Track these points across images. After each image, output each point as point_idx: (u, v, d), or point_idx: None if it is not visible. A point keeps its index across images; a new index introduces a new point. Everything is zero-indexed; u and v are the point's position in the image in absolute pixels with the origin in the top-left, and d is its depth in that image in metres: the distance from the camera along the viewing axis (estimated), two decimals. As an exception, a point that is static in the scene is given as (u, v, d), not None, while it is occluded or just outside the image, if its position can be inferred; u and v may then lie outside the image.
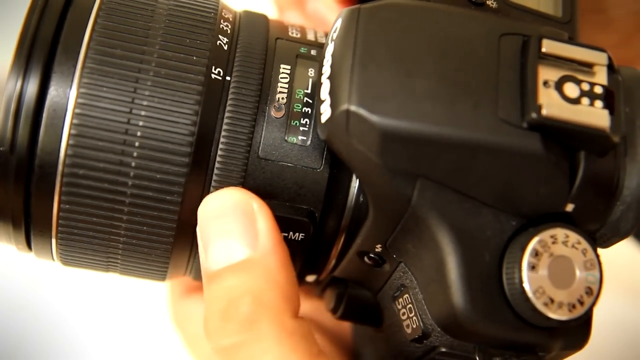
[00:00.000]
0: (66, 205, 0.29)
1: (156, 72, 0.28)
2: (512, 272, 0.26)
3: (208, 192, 0.29)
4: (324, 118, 0.27)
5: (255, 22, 0.31)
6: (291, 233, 0.29)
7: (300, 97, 0.30)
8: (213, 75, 0.29)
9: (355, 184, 0.30)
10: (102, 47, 0.28)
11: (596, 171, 0.27)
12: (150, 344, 0.54)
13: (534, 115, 0.26)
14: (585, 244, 0.27)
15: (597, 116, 0.26)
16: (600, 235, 0.29)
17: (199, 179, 0.29)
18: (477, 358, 0.27)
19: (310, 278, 0.32)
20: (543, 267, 0.26)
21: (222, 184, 0.29)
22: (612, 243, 0.30)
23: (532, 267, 0.26)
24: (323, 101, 0.27)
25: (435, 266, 0.27)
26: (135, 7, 0.29)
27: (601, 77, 0.27)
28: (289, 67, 0.30)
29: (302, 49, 0.31)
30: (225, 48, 0.30)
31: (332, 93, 0.26)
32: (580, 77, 0.27)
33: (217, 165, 0.29)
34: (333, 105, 0.26)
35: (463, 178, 0.26)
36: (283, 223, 0.29)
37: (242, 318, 0.27)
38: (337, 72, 0.27)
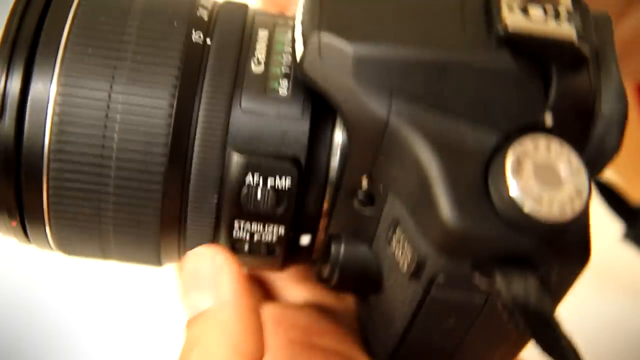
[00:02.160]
0: (55, 195, 0.30)
1: (133, 57, 0.30)
2: (496, 178, 0.26)
3: (191, 164, 0.30)
4: (298, 55, 0.28)
5: (234, 5, 0.33)
6: (277, 179, 0.30)
7: (279, 50, 0.31)
8: (194, 39, 0.31)
9: (338, 130, 0.31)
10: (80, 38, 0.30)
11: (570, 84, 0.28)
12: (150, 344, 0.53)
13: (500, 30, 0.27)
14: (568, 150, 0.27)
15: (563, 29, 0.27)
16: (586, 156, 0.29)
17: (181, 153, 0.30)
18: (477, 275, 0.27)
19: (305, 239, 0.32)
20: (528, 171, 0.26)
21: (206, 140, 0.30)
22: (600, 167, 0.30)
23: (516, 171, 0.26)
24: (297, 41, 0.28)
25: (420, 185, 0.27)
26: (113, 2, 0.31)
27: (566, 3, 0.29)
28: (267, 30, 0.32)
29: (280, 20, 0.33)
30: (205, 19, 0.31)
31: (304, 30, 0.28)
32: (545, 3, 0.28)
33: (200, 119, 0.30)
34: (305, 38, 0.28)
35: (437, 94, 0.27)
36: (268, 170, 0.30)
37: None
38: (306, 13, 0.28)
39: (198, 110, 0.30)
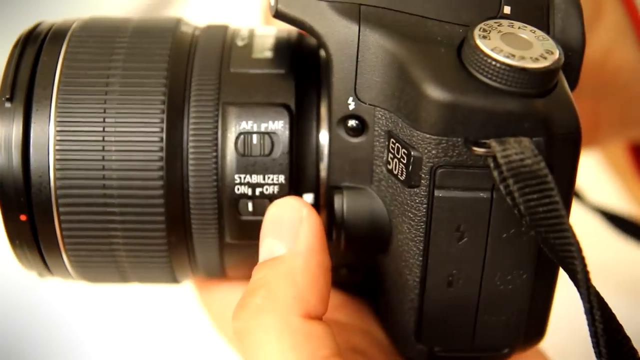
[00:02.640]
0: (67, 228, 0.32)
1: (121, 84, 0.32)
2: (468, 49, 0.28)
3: (188, 128, 0.31)
4: (273, 2, 0.31)
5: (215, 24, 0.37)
6: (270, 123, 0.31)
7: (261, 34, 0.34)
8: (182, 29, 0.34)
9: (324, 85, 0.32)
10: (71, 78, 0.32)
11: None
12: (151, 344, 0.51)
13: None
14: (531, 27, 0.29)
15: None
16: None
17: (177, 174, 0.31)
18: (473, 148, 0.27)
19: (308, 197, 0.32)
20: (495, 37, 0.28)
21: (199, 97, 0.31)
22: (576, 66, 0.31)
23: (484, 37, 0.28)
24: None
25: (401, 77, 0.28)
26: (99, 40, 0.33)
27: None
28: (248, 28, 0.35)
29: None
30: (190, 32, 0.34)
31: None
32: None
33: (193, 83, 0.32)
34: None
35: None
36: (261, 116, 0.31)
37: (252, 307, 0.29)
38: None
39: (190, 85, 0.32)
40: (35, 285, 0.53)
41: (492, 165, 0.27)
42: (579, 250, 0.26)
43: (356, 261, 0.34)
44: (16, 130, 0.31)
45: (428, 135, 0.28)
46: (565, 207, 0.28)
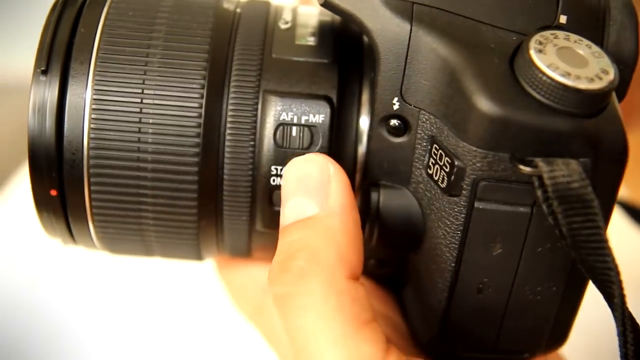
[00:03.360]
0: (96, 196, 0.31)
1: (162, 55, 0.31)
2: (522, 64, 0.27)
3: (224, 138, 0.31)
4: None
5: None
6: (311, 116, 0.31)
7: (304, 14, 0.33)
8: (225, 6, 0.33)
9: (367, 75, 0.31)
10: (111, 45, 0.31)
11: None
12: (151, 344, 0.51)
13: None
14: (587, 41, 0.28)
15: None
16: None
17: (213, 141, 0.31)
18: (519, 166, 0.26)
19: None
20: (551, 52, 0.27)
21: (240, 83, 0.31)
22: (626, 80, 0.30)
23: (540, 51, 0.27)
24: None
25: (451, 84, 0.28)
26: (140, 11, 0.32)
27: None
28: (291, 5, 0.34)
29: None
30: (232, 9, 0.33)
31: None
32: None
33: (234, 64, 0.31)
34: None
35: (456, 1, 0.28)
36: (302, 108, 0.31)
37: (295, 271, 0.28)
38: None
39: (231, 69, 0.31)
40: (35, 285, 0.53)
41: (536, 183, 0.26)
42: (617, 274, 0.26)
43: (386, 255, 0.34)
44: (51, 95, 0.30)
45: (474, 148, 0.27)
46: (605, 226, 0.27)
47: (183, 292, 0.52)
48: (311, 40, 0.32)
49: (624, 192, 0.56)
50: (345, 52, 0.32)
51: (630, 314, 0.27)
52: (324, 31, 0.33)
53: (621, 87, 0.30)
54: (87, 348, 0.51)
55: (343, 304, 0.27)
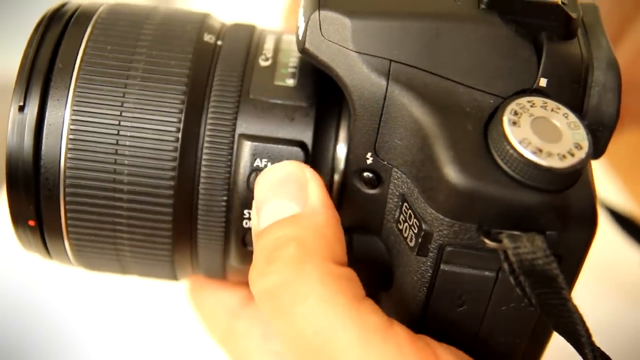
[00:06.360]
0: (72, 213, 0.32)
1: (142, 77, 0.31)
2: (496, 134, 0.27)
3: (200, 166, 0.31)
4: (300, 33, 0.29)
5: (242, 25, 0.35)
6: None
7: (286, 50, 0.33)
8: (205, 38, 0.32)
9: (344, 119, 0.31)
10: (92, 67, 0.31)
11: (562, 51, 0.29)
12: (151, 344, 0.52)
13: None
14: (565, 110, 0.27)
15: None
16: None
17: (190, 166, 0.31)
18: (484, 240, 0.27)
19: None
20: (525, 124, 0.27)
21: (216, 125, 0.31)
22: (602, 139, 0.30)
23: (514, 123, 0.27)
24: (299, 27, 0.30)
25: (422, 148, 0.27)
26: (124, 28, 0.32)
27: None
28: (274, 35, 0.34)
29: (286, 33, 0.34)
30: (212, 41, 0.33)
31: (305, 12, 0.29)
32: None
33: (211, 104, 0.31)
34: (306, 18, 0.29)
35: (433, 59, 0.28)
36: (276, 154, 0.30)
37: (287, 258, 0.27)
38: (307, 1, 0.30)
39: (207, 109, 0.31)
40: (35, 285, 0.53)
41: (502, 257, 0.27)
42: (589, 337, 0.26)
43: None
44: (30, 115, 0.31)
45: (442, 216, 0.27)
46: (570, 289, 0.28)
47: (184, 293, 0.52)
48: (290, 82, 0.32)
49: (621, 194, 0.56)
50: (325, 95, 0.32)
51: None
52: (304, 71, 0.32)
53: (599, 147, 0.30)
54: (87, 348, 0.51)
55: (341, 286, 0.27)
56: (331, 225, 0.28)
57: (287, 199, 0.29)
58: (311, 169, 0.30)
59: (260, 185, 0.30)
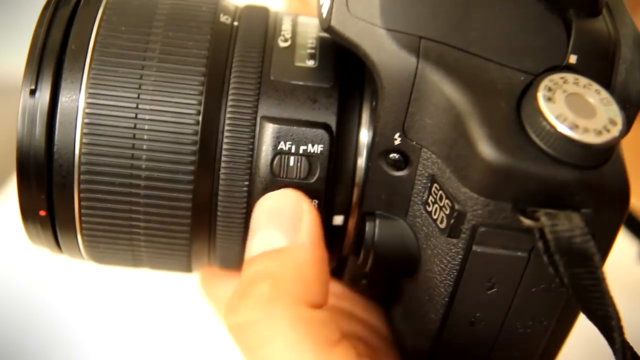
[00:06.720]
0: (86, 202, 0.30)
1: (160, 61, 0.30)
2: (530, 110, 0.26)
3: (221, 151, 0.30)
4: (324, 10, 0.28)
5: (256, 6, 0.34)
6: (310, 145, 0.30)
7: (304, 30, 0.32)
8: (222, 19, 0.31)
9: (367, 98, 0.30)
10: (106, 48, 0.30)
11: (590, 27, 0.28)
12: (150, 345, 0.51)
13: None
14: (596, 86, 0.27)
15: None
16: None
17: (210, 152, 0.30)
18: (521, 218, 0.26)
19: (338, 219, 0.31)
20: (559, 100, 0.26)
21: (237, 107, 0.30)
22: (631, 118, 0.29)
23: (549, 99, 0.26)
24: (322, 5, 0.29)
25: (454, 126, 0.27)
26: (138, 9, 0.31)
27: None
28: (290, 16, 0.33)
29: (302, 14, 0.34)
30: (229, 22, 0.32)
31: None
32: None
33: (231, 87, 0.30)
34: None
35: (463, 35, 0.27)
36: (300, 137, 0.30)
37: (258, 298, 0.27)
38: None
39: (227, 92, 0.30)
40: (35, 285, 0.52)
41: (537, 235, 0.26)
42: (618, 321, 0.26)
43: (379, 277, 0.33)
44: (42, 99, 0.29)
45: (476, 195, 0.27)
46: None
47: (183, 292, 0.51)
48: (311, 63, 0.31)
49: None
50: (346, 75, 0.31)
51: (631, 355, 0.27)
52: (324, 51, 0.31)
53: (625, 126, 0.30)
54: (87, 348, 0.51)
55: (310, 331, 0.27)
56: (314, 265, 0.28)
57: (279, 230, 0.29)
58: (308, 202, 0.29)
59: (258, 211, 0.30)
